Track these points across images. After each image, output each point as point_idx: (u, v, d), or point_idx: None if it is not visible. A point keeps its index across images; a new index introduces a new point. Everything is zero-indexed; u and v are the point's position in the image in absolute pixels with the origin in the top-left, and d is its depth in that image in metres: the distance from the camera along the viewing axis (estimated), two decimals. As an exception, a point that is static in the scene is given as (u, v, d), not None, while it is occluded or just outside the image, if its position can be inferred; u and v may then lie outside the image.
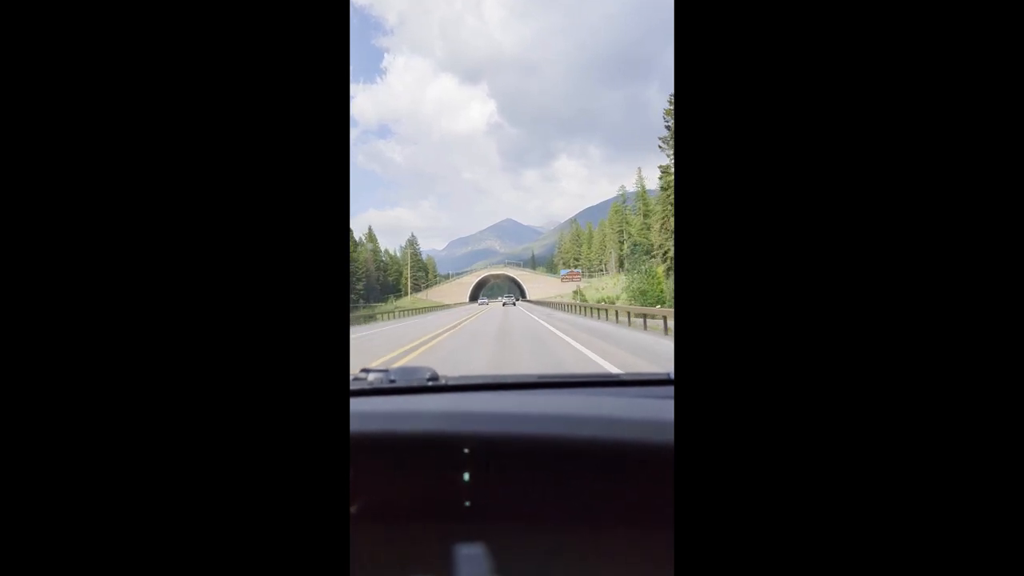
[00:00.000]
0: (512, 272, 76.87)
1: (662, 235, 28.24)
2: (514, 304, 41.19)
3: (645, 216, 36.73)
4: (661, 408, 0.81)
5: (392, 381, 1.03)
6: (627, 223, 49.45)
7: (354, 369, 0.94)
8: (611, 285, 39.84)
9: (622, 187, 54.00)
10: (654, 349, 7.07)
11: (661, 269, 25.37)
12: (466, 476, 0.79)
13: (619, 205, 53.33)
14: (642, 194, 41.16)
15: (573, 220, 68.65)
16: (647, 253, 30.29)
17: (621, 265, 48.92)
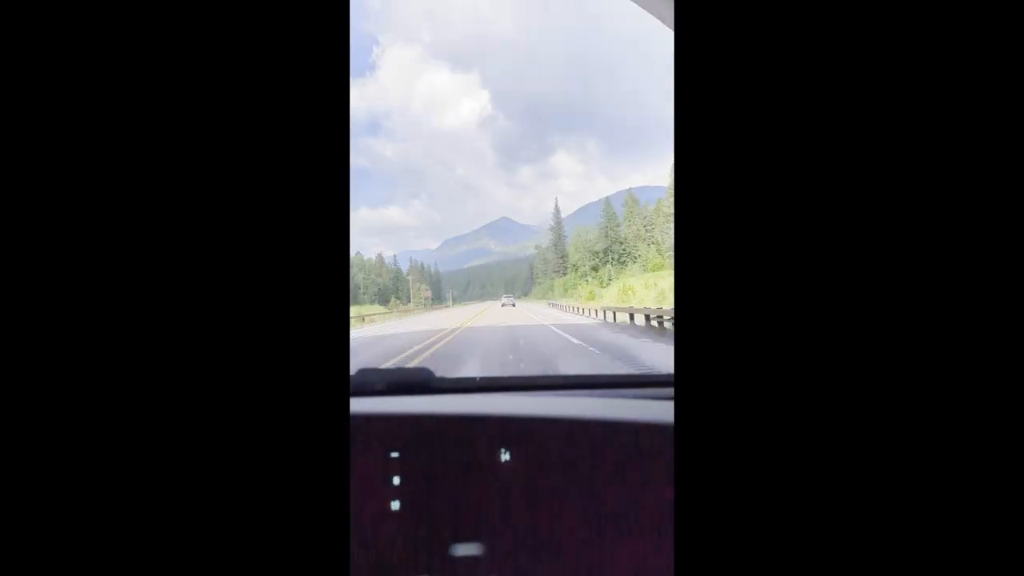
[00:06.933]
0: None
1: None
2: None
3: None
4: (662, 410, 0.82)
5: (391, 382, 1.05)
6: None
7: (353, 369, 0.96)
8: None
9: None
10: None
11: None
12: (466, 476, 0.80)
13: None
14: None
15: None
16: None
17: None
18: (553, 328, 14.24)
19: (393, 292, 79.64)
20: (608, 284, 48.66)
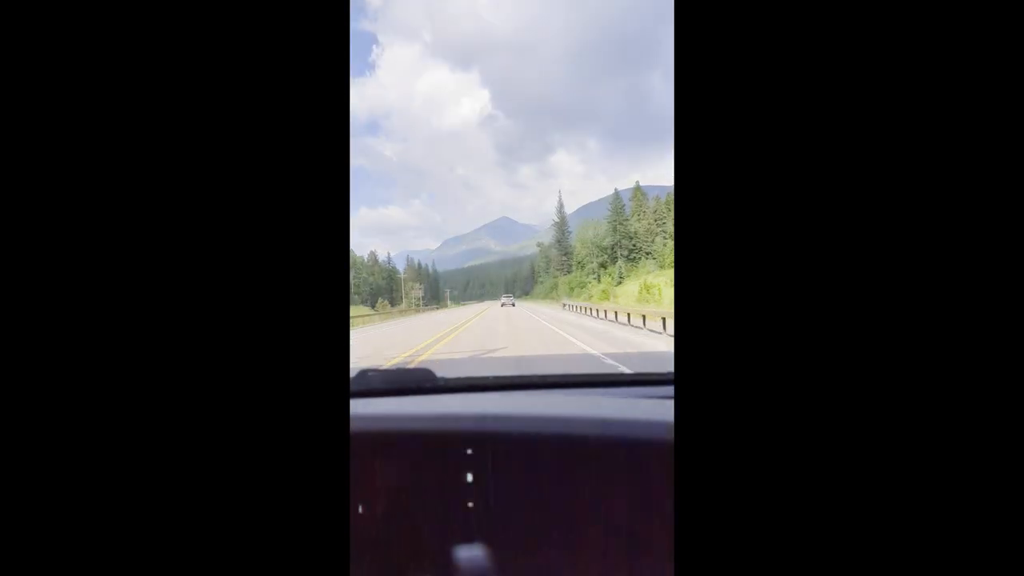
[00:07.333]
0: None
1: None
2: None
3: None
4: (662, 408, 0.82)
5: (392, 382, 1.06)
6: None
7: (354, 370, 0.97)
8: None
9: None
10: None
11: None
12: (467, 477, 0.80)
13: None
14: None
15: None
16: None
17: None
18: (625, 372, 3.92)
19: (387, 292, 74.97)
20: (621, 281, 43.88)
